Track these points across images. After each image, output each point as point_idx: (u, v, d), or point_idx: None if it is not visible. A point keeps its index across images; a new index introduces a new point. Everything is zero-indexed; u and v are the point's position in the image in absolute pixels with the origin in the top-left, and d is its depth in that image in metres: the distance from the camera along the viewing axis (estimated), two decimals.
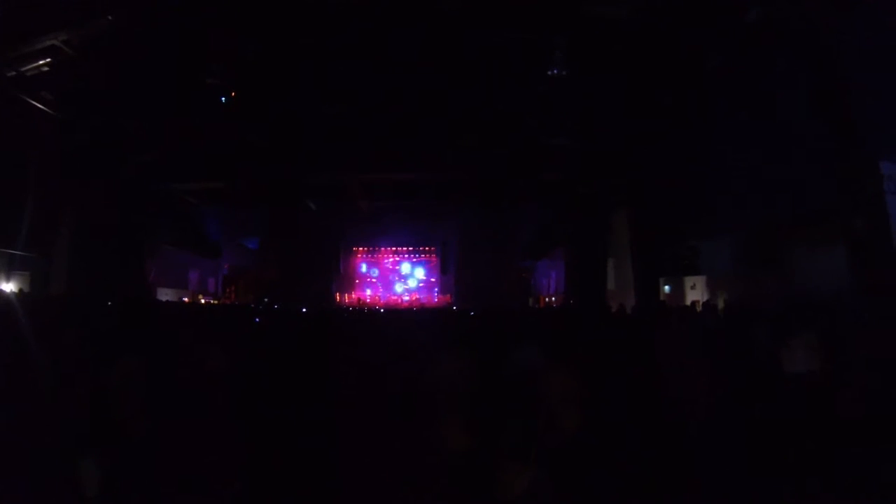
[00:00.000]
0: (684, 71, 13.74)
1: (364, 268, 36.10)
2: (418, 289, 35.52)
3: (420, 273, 35.92)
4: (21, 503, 4.59)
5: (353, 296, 34.41)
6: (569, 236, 23.81)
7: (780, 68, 11.69)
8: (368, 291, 35.29)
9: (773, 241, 14.02)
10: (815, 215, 11.64)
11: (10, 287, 14.52)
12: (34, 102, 13.99)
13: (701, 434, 5.78)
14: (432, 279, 35.73)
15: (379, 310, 24.42)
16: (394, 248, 35.56)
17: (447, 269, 34.72)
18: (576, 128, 17.54)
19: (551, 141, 18.61)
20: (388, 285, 35.72)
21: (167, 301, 20.82)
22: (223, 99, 16.30)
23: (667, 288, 18.74)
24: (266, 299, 27.64)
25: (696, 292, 17.36)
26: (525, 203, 26.95)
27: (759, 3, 10.54)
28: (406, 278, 35.81)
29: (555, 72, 13.89)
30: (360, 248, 35.79)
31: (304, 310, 18.55)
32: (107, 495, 4.88)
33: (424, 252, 35.80)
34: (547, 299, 28.87)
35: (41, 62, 13.20)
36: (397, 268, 36.01)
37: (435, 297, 34.78)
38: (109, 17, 12.46)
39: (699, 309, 13.70)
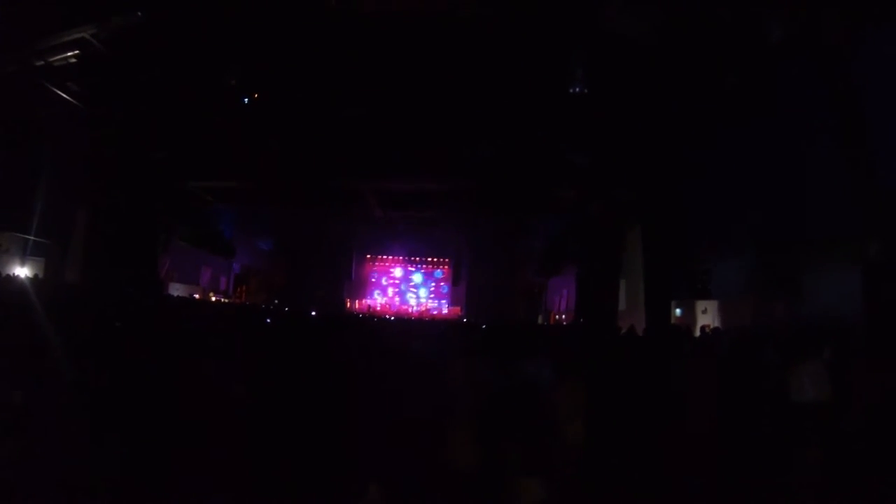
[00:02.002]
0: (701, 90, 13.70)
1: (375, 275, 36.13)
2: (429, 299, 35.49)
3: (431, 284, 35.89)
4: (27, 483, 4.63)
5: (363, 303, 34.40)
6: (582, 254, 23.70)
7: (798, 89, 11.62)
8: (379, 299, 35.28)
9: (788, 264, 13.87)
10: (832, 239, 11.51)
11: (24, 272, 14.68)
12: (60, 93, 14.19)
13: (710, 454, 5.74)
14: (443, 290, 35.67)
15: (389, 318, 24.42)
16: (406, 258, 35.48)
17: (459, 281, 34.63)
18: (592, 144, 17.54)
19: (567, 156, 18.61)
20: (399, 294, 35.69)
21: (178, 296, 20.96)
22: (245, 100, 16.46)
23: (678, 311, 18.58)
24: (276, 301, 27.75)
25: (707, 316, 17.20)
26: (539, 218, 26.92)
27: (780, 25, 10.50)
28: (417, 288, 35.77)
29: (575, 89, 13.90)
30: (373, 256, 35.80)
31: (313, 313, 18.63)
32: (112, 483, 4.91)
33: (437, 263, 35.74)
34: (557, 316, 28.73)
35: (69, 54, 13.40)
36: (409, 277, 35.99)
37: (445, 309, 34.70)
38: (138, 13, 12.64)
39: (709, 332, 13.60)
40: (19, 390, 5.28)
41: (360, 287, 35.44)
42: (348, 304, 33.48)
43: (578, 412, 5.27)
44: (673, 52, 12.24)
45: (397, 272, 35.92)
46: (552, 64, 13.69)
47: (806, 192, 11.70)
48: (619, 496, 5.23)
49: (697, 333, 14.06)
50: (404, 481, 4.96)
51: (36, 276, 14.68)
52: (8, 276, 13.48)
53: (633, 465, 5.49)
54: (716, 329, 13.91)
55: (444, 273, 35.72)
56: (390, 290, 35.76)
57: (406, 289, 35.79)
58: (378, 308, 33.80)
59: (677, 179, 16.93)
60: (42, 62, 13.32)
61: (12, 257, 14.89)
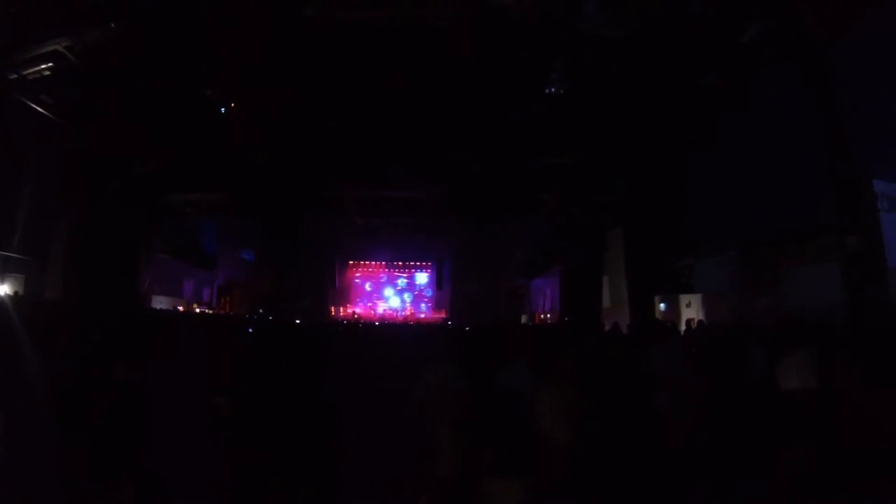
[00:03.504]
0: (680, 90, 13.84)
1: (359, 282, 36.06)
2: (413, 304, 35.48)
3: (415, 288, 35.93)
4: (15, 500, 4.57)
5: (348, 309, 34.33)
6: (564, 254, 23.84)
7: (774, 87, 11.79)
8: (366, 305, 35.24)
9: (768, 258, 14.06)
10: (810, 233, 11.69)
11: (4, 289, 14.46)
12: (35, 106, 13.99)
13: (694, 449, 5.79)
14: (427, 294, 35.72)
15: (374, 324, 24.39)
16: (390, 263, 35.55)
17: (442, 285, 34.72)
18: (571, 146, 17.65)
19: (547, 159, 18.71)
20: (384, 300, 35.67)
21: (161, 309, 20.78)
22: (222, 110, 16.36)
23: (662, 306, 18.75)
24: (261, 311, 27.59)
25: (691, 310, 17.39)
26: (521, 220, 27.04)
27: (755, 23, 10.64)
28: (401, 293, 35.77)
29: (552, 91, 13.97)
30: (356, 262, 35.79)
31: (297, 322, 18.56)
32: (98, 499, 4.86)
33: (420, 267, 35.81)
34: (542, 316, 28.85)
35: (43, 66, 13.22)
36: (393, 282, 35.97)
37: (430, 313, 34.72)
38: (112, 25, 12.51)
39: (694, 327, 13.75)
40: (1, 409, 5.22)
41: (345, 294, 35.39)
42: (333, 312, 33.41)
43: (565, 411, 5.29)
44: (651, 53, 12.35)
45: (381, 278, 35.93)
46: (531, 69, 13.75)
47: (785, 187, 11.87)
48: (607, 494, 5.26)
49: (682, 328, 14.20)
50: (390, 486, 4.98)
51: (16, 293, 14.46)
52: None
53: (620, 460, 5.53)
54: (700, 322, 14.06)
55: (427, 277, 35.80)
56: (374, 297, 35.75)
57: (390, 294, 35.79)
58: (363, 314, 33.77)
59: (659, 181, 17.10)
60: (16, 75, 13.13)
61: None
